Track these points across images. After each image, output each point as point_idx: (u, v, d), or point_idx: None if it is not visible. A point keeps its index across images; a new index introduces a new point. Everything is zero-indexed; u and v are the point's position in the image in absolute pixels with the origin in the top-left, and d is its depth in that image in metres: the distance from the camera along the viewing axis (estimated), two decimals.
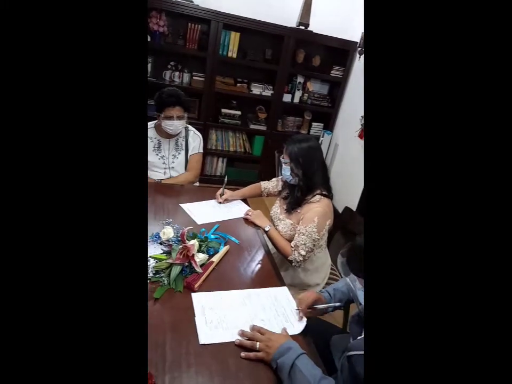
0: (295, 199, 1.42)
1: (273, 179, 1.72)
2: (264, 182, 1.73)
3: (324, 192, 1.40)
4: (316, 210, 1.35)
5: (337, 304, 1.07)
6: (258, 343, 0.87)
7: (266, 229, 1.44)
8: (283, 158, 1.43)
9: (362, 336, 0.90)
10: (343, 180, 3.10)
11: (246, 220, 1.54)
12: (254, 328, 0.92)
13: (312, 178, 1.38)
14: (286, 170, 1.41)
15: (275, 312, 1.04)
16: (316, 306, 1.03)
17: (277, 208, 1.56)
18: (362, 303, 0.85)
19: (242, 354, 0.86)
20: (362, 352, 0.82)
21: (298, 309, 1.03)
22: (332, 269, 1.64)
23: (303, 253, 1.34)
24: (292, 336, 0.94)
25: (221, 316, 0.98)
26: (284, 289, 1.14)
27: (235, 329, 0.93)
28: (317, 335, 1.04)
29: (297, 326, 1.00)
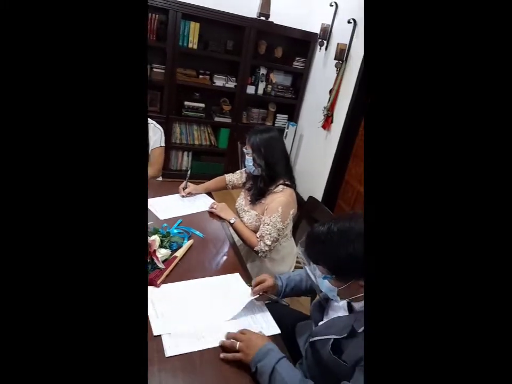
0: (258, 189, 1.43)
1: (238, 171, 1.72)
2: (228, 174, 1.72)
3: (286, 182, 1.41)
4: (279, 200, 1.37)
5: (284, 302, 1.09)
6: (238, 342, 0.86)
7: (232, 221, 1.44)
8: (246, 149, 1.43)
9: (324, 321, 0.93)
10: (308, 170, 3.15)
11: (211, 213, 1.52)
12: (239, 331, 0.91)
13: (274, 168, 1.39)
14: (249, 161, 1.42)
15: (229, 300, 1.04)
16: (268, 295, 1.06)
17: (242, 200, 1.56)
18: (324, 290, 0.87)
19: (221, 355, 0.85)
20: (324, 337, 0.85)
21: (252, 286, 1.06)
22: (298, 258, 1.67)
23: (268, 242, 1.35)
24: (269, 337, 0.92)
25: (174, 307, 0.97)
26: (236, 276, 1.16)
27: (188, 319, 0.95)
28: (285, 322, 1.05)
29: (270, 327, 0.99)
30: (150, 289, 1.02)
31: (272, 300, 1.08)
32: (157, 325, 0.90)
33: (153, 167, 1.83)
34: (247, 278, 1.17)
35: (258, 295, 1.04)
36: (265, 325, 1.00)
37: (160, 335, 0.88)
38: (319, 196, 2.87)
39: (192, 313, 0.97)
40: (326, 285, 0.84)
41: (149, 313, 0.93)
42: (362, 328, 0.78)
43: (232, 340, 0.87)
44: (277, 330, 0.98)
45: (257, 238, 1.38)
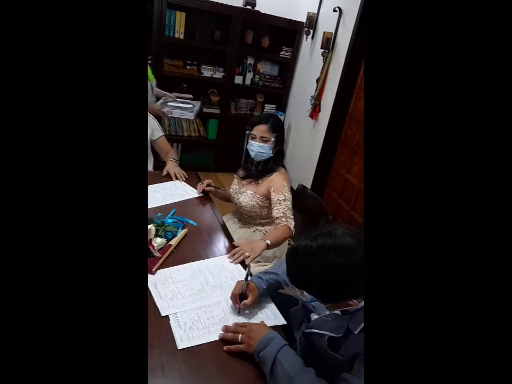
0: (268, 168, 1.51)
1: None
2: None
3: (281, 163, 1.55)
4: (281, 177, 1.48)
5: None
6: (240, 335, 0.87)
7: (268, 242, 1.27)
8: (261, 138, 1.46)
9: (319, 316, 0.94)
10: (297, 158, 3.19)
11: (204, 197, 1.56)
12: (236, 324, 0.92)
13: (283, 150, 1.56)
14: (265, 149, 1.47)
15: (224, 278, 1.12)
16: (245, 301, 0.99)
17: (235, 185, 1.62)
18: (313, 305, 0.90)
19: (225, 348, 0.86)
20: (320, 332, 0.87)
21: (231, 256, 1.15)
22: (289, 242, 1.72)
23: (291, 216, 1.40)
24: (271, 327, 0.93)
25: (174, 289, 1.03)
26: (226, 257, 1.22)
27: (190, 298, 1.01)
28: (278, 307, 1.07)
29: (276, 317, 1.01)
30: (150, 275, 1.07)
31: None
32: (163, 306, 0.96)
33: (169, 154, 1.88)
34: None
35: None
36: (271, 314, 1.02)
37: (170, 324, 0.91)
38: (308, 183, 2.92)
39: (193, 294, 1.03)
40: (315, 303, 0.86)
41: (153, 295, 0.99)
42: (359, 329, 0.79)
43: (233, 334, 0.88)
44: (282, 321, 1.00)
45: (282, 217, 1.36)
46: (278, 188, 1.43)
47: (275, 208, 1.41)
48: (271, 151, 1.48)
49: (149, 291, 1.00)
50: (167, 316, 0.94)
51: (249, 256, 1.18)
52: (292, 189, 1.53)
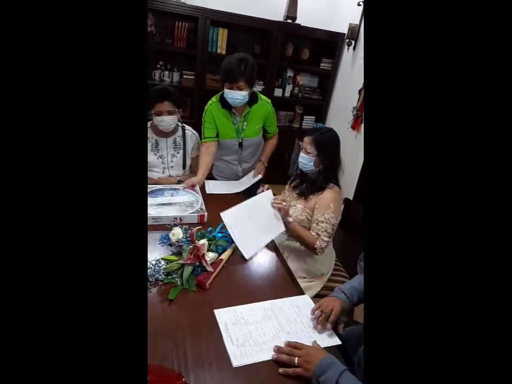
0: (317, 186, 1.45)
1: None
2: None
3: (334, 181, 1.47)
4: (330, 197, 1.41)
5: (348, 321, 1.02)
6: (296, 358, 0.84)
7: (290, 219, 1.41)
8: (305, 150, 1.45)
9: None
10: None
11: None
12: (289, 344, 0.89)
13: (333, 168, 1.47)
14: (306, 160, 1.45)
15: (301, 324, 1.01)
16: (341, 319, 0.98)
17: (287, 197, 1.60)
18: None
19: (281, 370, 0.83)
20: None
21: (315, 319, 0.99)
22: (336, 261, 1.67)
23: (326, 239, 1.37)
24: (325, 348, 0.90)
25: (246, 332, 0.94)
26: (306, 298, 1.12)
27: (263, 345, 0.91)
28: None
29: (327, 338, 0.97)
30: (222, 312, 0.99)
31: (347, 320, 1.03)
32: (235, 354, 0.86)
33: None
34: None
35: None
36: (325, 334, 0.98)
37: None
38: (350, 196, 2.84)
39: (267, 342, 0.92)
40: None
41: (224, 340, 0.90)
42: None
43: (289, 357, 0.85)
44: (337, 341, 0.96)
45: (315, 236, 1.39)
46: (322, 207, 1.40)
47: (312, 226, 1.40)
48: (312, 164, 1.44)
49: (220, 333, 0.92)
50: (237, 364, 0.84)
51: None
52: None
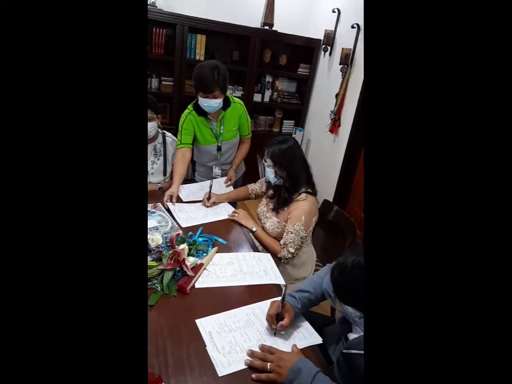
0: (282, 199, 1.44)
1: (259, 180, 1.75)
2: (251, 184, 1.76)
3: (308, 190, 1.44)
4: (303, 209, 1.39)
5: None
6: (269, 363, 0.84)
7: (254, 229, 1.48)
8: (265, 161, 1.45)
9: (358, 335, 0.92)
10: (318, 174, 3.15)
11: (233, 221, 1.56)
12: (263, 348, 0.90)
13: (297, 178, 1.41)
14: (269, 173, 1.44)
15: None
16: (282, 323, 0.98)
17: (264, 207, 1.59)
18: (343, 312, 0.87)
19: (253, 375, 0.83)
20: (358, 352, 0.84)
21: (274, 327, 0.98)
22: (317, 262, 1.69)
23: (292, 250, 1.38)
24: (307, 347, 0.93)
25: (231, 339, 0.93)
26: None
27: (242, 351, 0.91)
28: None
29: (309, 337, 0.99)
30: (205, 320, 0.97)
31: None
32: (222, 363, 0.86)
33: None
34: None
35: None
36: (307, 333, 1.00)
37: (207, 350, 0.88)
38: (329, 198, 2.89)
39: (253, 346, 0.92)
40: (350, 311, 0.84)
41: (209, 349, 0.89)
42: None
43: (262, 362, 0.86)
44: (318, 340, 0.98)
45: (281, 245, 1.41)
46: (293, 219, 1.39)
47: (283, 235, 1.41)
48: (274, 176, 1.43)
49: (201, 337, 0.92)
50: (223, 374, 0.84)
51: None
52: (320, 206, 1.51)
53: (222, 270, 1.20)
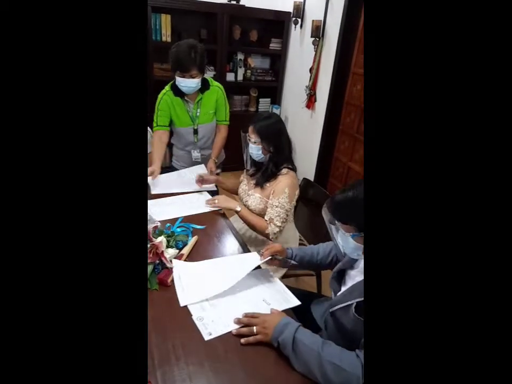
0: (269, 173, 1.45)
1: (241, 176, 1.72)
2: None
3: (289, 166, 1.46)
4: (285, 182, 1.41)
5: (294, 262, 1.18)
6: (254, 327, 0.90)
7: (238, 209, 1.45)
8: (250, 138, 1.45)
9: (342, 290, 0.96)
10: (296, 151, 3.17)
11: (214, 211, 1.54)
12: (247, 315, 0.95)
13: (283, 152, 1.45)
14: (255, 149, 1.44)
15: (243, 270, 1.08)
16: (276, 257, 1.15)
17: (245, 185, 1.59)
18: (348, 252, 0.91)
19: (242, 340, 0.88)
20: (345, 304, 0.89)
21: (261, 252, 1.15)
22: (300, 240, 1.72)
23: (278, 224, 1.39)
24: (283, 311, 0.97)
25: (199, 280, 1.07)
26: (254, 254, 1.19)
27: (212, 287, 1.04)
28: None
29: (289, 300, 1.04)
30: (176, 262, 1.14)
31: (282, 263, 1.17)
32: (182, 297, 1.02)
33: None
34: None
35: (268, 258, 1.13)
36: (285, 298, 1.05)
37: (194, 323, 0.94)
38: (310, 176, 2.91)
39: (212, 285, 1.05)
40: (351, 245, 0.87)
41: (176, 287, 1.05)
42: None
43: (248, 328, 0.90)
44: (297, 302, 1.03)
45: (267, 221, 1.41)
46: (277, 193, 1.40)
47: (267, 211, 1.42)
48: (261, 153, 1.44)
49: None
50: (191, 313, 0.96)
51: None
52: (300, 185, 1.51)
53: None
